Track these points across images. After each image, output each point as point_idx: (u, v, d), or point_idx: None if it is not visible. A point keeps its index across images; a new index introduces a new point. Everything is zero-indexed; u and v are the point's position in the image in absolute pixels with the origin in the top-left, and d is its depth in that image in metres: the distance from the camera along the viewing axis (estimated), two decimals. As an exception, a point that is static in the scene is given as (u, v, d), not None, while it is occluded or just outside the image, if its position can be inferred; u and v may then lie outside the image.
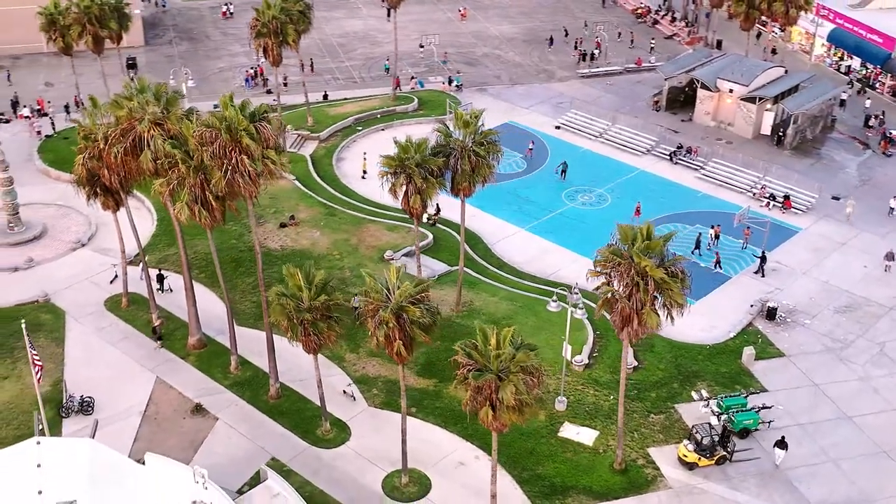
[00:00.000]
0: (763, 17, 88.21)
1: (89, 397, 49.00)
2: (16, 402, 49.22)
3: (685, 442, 46.72)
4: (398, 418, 44.27)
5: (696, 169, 76.43)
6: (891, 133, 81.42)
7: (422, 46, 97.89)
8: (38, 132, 78.90)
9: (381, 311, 39.88)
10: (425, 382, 51.25)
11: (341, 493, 44.52)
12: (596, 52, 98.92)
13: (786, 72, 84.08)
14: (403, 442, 44.08)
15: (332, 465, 46.10)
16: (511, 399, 36.47)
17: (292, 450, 46.93)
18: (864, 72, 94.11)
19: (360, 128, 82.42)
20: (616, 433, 46.33)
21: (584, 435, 48.12)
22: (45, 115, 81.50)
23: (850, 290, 60.96)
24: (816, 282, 61.98)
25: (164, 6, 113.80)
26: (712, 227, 66.51)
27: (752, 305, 59.03)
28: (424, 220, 65.58)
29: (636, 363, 53.00)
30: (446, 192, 53.99)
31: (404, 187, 51.44)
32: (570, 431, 48.37)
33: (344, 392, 50.37)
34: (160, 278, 58.65)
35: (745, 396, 49.83)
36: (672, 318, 41.58)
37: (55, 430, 47.05)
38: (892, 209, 69.93)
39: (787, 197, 70.80)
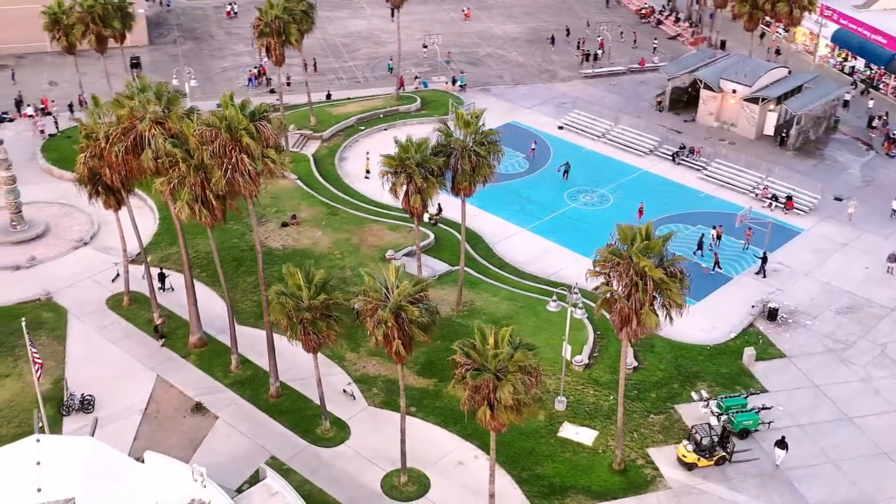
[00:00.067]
0: (767, 18, 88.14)
1: (90, 395, 49.13)
2: (17, 400, 49.35)
3: (684, 442, 46.68)
4: (398, 418, 44.30)
5: (698, 169, 76.38)
6: (894, 134, 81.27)
7: (425, 46, 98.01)
8: (42, 131, 79.16)
9: (379, 311, 39.94)
10: (425, 382, 51.29)
11: (340, 493, 44.55)
12: (599, 52, 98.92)
13: (789, 72, 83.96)
14: (402, 441, 44.13)
15: (331, 464, 46.15)
16: (509, 399, 36.48)
17: (292, 448, 47.00)
18: (868, 72, 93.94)
19: (362, 127, 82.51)
20: (615, 433, 46.31)
21: (583, 435, 48.12)
22: (49, 114, 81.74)
23: (851, 292, 60.86)
24: (818, 283, 61.88)
25: (168, 5, 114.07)
26: (714, 228, 66.45)
27: (753, 306, 58.95)
28: (426, 219, 65.76)
29: (636, 363, 52.98)
30: (447, 191, 54.05)
31: (405, 187, 51.49)
32: (569, 431, 48.38)
33: (344, 391, 50.44)
34: (161, 277, 58.80)
35: (745, 397, 49.77)
36: (671, 318, 41.55)
37: (56, 428, 47.15)
38: (894, 210, 69.79)
39: (789, 198, 70.72)
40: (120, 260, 58.05)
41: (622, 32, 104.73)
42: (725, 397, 49.60)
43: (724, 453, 46.54)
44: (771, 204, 70.75)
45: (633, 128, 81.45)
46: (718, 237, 65.97)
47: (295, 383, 50.98)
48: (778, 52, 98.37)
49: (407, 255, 61.96)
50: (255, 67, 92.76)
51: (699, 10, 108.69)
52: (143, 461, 40.04)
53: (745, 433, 48.39)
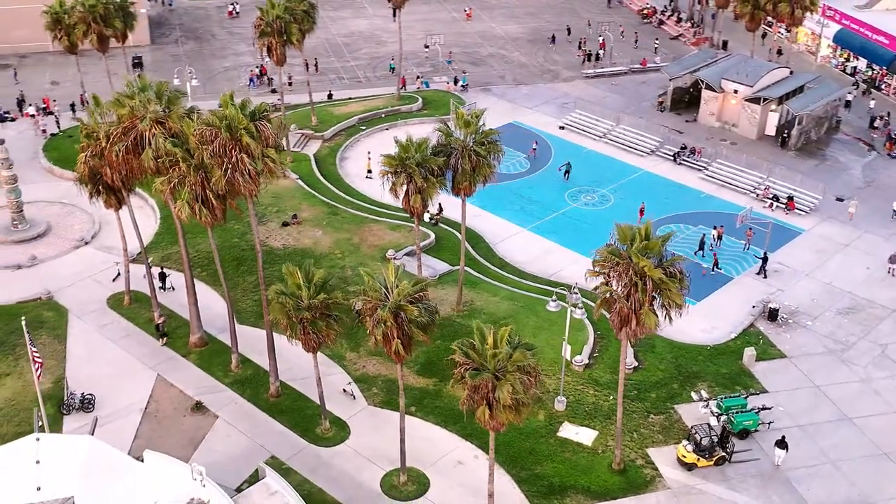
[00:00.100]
0: (769, 18, 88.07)
1: (90, 394, 49.22)
2: (17, 399, 49.44)
3: (684, 442, 46.65)
4: (398, 417, 44.26)
5: (699, 169, 76.35)
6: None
7: (427, 46, 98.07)
8: (44, 130, 79.29)
9: (378, 310, 39.95)
10: (425, 381, 51.31)
11: (339, 492, 44.58)
12: (601, 52, 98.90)
13: (791, 72, 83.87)
14: (402, 441, 44.15)
15: (330, 464, 46.18)
16: (508, 398, 36.50)
17: (291, 448, 47.04)
18: (869, 73, 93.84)
19: (363, 127, 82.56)
20: (615, 433, 46.29)
21: (583, 435, 48.12)
22: (51, 113, 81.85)
23: (852, 292, 60.81)
24: (819, 283, 61.83)
25: (170, 5, 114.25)
26: (715, 228, 66.42)
27: (753, 306, 58.92)
28: (427, 219, 65.78)
29: (636, 363, 52.98)
30: (447, 191, 54.06)
31: (405, 187, 51.51)
32: (569, 431, 48.38)
33: (344, 391, 50.47)
34: (162, 276, 58.87)
35: (745, 397, 49.74)
36: (670, 318, 41.53)
37: (56, 426, 47.27)
38: (895, 211, 69.66)
39: (790, 198, 70.67)
40: (121, 259, 58.11)
41: (622, 32, 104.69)
42: (725, 397, 49.57)
43: (723, 453, 46.52)
44: (772, 204, 70.71)
45: (634, 128, 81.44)
46: (719, 237, 65.94)
47: (295, 383, 51.03)
48: (780, 52, 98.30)
49: (408, 254, 61.97)
50: (257, 67, 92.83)
51: (701, 10, 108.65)
52: (142, 460, 40.09)
53: (744, 433, 48.37)
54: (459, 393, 39.09)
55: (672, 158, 77.77)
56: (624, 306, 40.91)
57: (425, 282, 43.29)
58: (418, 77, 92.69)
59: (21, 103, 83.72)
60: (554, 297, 50.31)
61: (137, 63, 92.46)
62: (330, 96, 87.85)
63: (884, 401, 51.55)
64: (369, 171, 74.06)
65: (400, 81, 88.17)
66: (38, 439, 38.33)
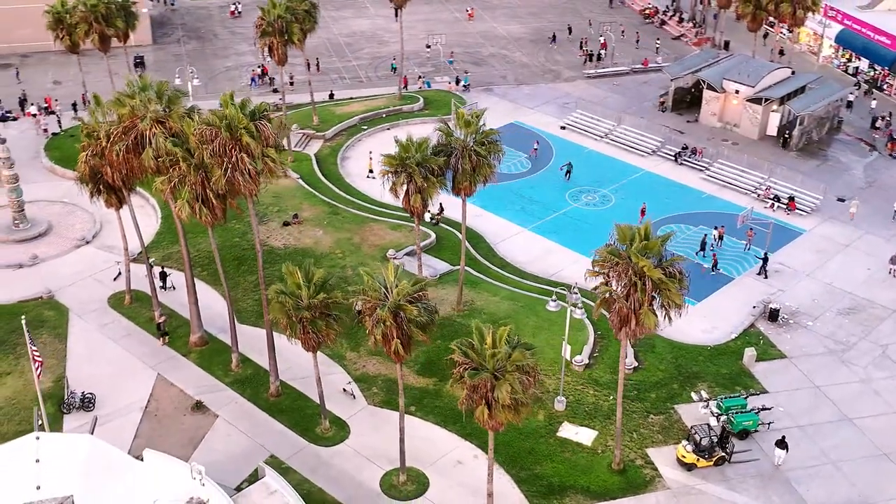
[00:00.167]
0: (770, 18, 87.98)
1: (90, 394, 49.29)
2: (18, 398, 49.50)
3: (684, 443, 46.64)
4: (398, 417, 44.29)
5: (700, 170, 76.31)
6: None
7: (428, 47, 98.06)
8: (45, 130, 79.40)
9: (378, 310, 39.98)
10: (425, 381, 51.32)
11: (339, 491, 44.61)
12: (602, 52, 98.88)
13: (793, 73, 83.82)
14: (401, 441, 44.17)
15: (330, 463, 46.21)
16: (506, 398, 36.52)
17: (291, 447, 47.07)
18: (871, 73, 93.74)
19: (364, 127, 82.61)
20: (615, 433, 46.28)
21: (582, 435, 48.12)
22: (53, 112, 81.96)
23: (853, 293, 60.76)
24: (820, 284, 61.79)
25: (172, 5, 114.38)
26: (716, 228, 66.39)
27: (754, 307, 58.89)
28: (427, 219, 65.80)
29: (637, 363, 52.97)
30: (447, 191, 54.08)
31: (405, 186, 51.54)
32: (568, 431, 48.37)
33: (344, 390, 50.50)
34: (163, 276, 58.92)
35: (745, 397, 49.72)
36: (670, 318, 41.51)
37: (56, 425, 47.33)
38: (897, 211, 69.77)
39: (791, 198, 70.61)
40: (121, 258, 58.16)
41: (623, 31, 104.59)
42: (725, 398, 49.55)
43: (723, 454, 46.50)
44: (773, 205, 70.66)
45: (635, 128, 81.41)
46: (720, 238, 65.90)
47: (295, 382, 51.07)
48: (782, 52, 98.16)
49: (408, 254, 62.00)
50: (259, 67, 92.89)
51: (703, 10, 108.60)
52: (142, 459, 40.13)
53: (744, 434, 48.35)
54: (459, 392, 39.08)
55: (673, 159, 77.76)
56: (623, 306, 40.92)
57: (425, 281, 43.30)
58: (420, 77, 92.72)
59: (23, 103, 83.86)
60: (554, 297, 50.32)
61: (139, 63, 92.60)
62: (331, 96, 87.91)
63: (884, 401, 51.51)
64: (371, 171, 74.10)
65: (402, 81, 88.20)
66: (37, 438, 38.37)
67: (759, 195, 72.22)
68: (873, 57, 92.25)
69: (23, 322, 44.18)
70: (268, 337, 49.38)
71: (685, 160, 77.42)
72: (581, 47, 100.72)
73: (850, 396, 51.74)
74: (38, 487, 37.04)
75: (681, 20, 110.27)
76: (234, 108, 43.70)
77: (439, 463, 46.31)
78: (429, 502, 44.30)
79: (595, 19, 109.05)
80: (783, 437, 47.22)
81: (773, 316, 57.52)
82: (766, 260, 62.39)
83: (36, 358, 43.92)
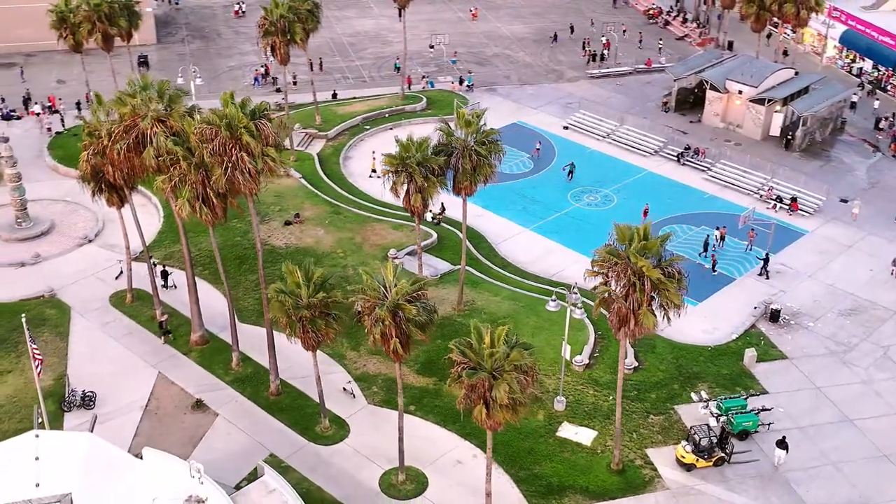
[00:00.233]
0: (774, 19, 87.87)
1: (91, 392, 49.41)
2: (19, 396, 49.64)
3: (683, 443, 46.59)
4: (397, 416, 44.33)
5: (703, 170, 76.22)
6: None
7: (432, 47, 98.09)
8: (49, 129, 79.61)
9: (377, 309, 40.01)
10: (425, 381, 51.34)
11: (338, 490, 44.65)
12: (605, 52, 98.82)
13: (796, 73, 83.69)
14: (400, 440, 44.20)
15: (329, 462, 46.26)
16: (504, 397, 36.52)
17: (291, 446, 47.14)
18: (875, 74, 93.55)
19: (367, 127, 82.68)
20: (615, 433, 46.25)
21: (582, 435, 48.10)
22: (56, 112, 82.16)
23: (855, 294, 60.64)
24: (821, 284, 61.67)
25: (177, 4, 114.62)
26: (717, 229, 66.31)
27: (755, 307, 58.79)
28: (429, 219, 65.83)
29: (637, 364, 52.94)
30: (448, 191, 54.11)
31: (405, 186, 51.58)
32: (568, 431, 48.36)
33: (344, 389, 50.55)
34: (164, 274, 59.04)
35: (745, 398, 49.66)
36: (669, 318, 41.48)
37: (57, 424, 47.44)
38: (900, 212, 69.59)
39: (794, 199, 70.49)
40: (123, 257, 58.30)
41: (625, 31, 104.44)
42: (725, 398, 49.50)
43: (722, 454, 46.44)
44: (775, 205, 70.55)
45: (638, 128, 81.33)
46: (722, 238, 65.82)
47: (295, 381, 51.13)
48: (786, 53, 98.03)
49: (409, 254, 62.03)
50: (262, 66, 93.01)
51: (707, 10, 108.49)
52: (141, 457, 40.23)
53: (744, 434, 48.29)
54: (457, 392, 39.12)
55: (676, 159, 77.69)
56: (622, 306, 40.91)
57: (424, 281, 43.29)
58: (424, 77, 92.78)
59: (27, 102, 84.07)
60: (553, 297, 50.29)
61: (143, 62, 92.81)
62: (334, 96, 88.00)
63: (885, 402, 51.40)
64: (373, 171, 74.14)
65: (405, 81, 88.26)
66: (37, 436, 38.44)
67: (761, 196, 72.11)
68: (877, 57, 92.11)
69: (23, 320, 44.31)
70: (268, 336, 49.46)
71: (688, 160, 77.35)
72: (584, 47, 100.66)
73: (851, 397, 51.64)
74: (37, 485, 37.11)
75: (685, 20, 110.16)
76: (235, 108, 43.81)
77: (439, 462, 46.33)
78: (428, 502, 44.32)
79: (598, 19, 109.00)
80: (783, 437, 47.15)
81: (774, 317, 57.44)
82: (767, 260, 62.29)
83: (36, 356, 44.07)
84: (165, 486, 38.66)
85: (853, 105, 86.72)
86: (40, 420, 43.18)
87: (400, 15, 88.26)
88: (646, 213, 67.75)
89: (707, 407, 49.30)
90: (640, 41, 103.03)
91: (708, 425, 47.10)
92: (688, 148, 78.20)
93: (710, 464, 46.28)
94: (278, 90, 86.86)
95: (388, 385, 50.76)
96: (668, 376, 52.48)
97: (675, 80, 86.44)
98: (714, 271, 62.42)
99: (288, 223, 65.57)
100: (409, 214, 57.24)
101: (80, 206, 67.19)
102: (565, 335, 49.24)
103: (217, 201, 45.85)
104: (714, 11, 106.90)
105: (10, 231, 64.41)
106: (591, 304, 49.40)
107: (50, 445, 38.36)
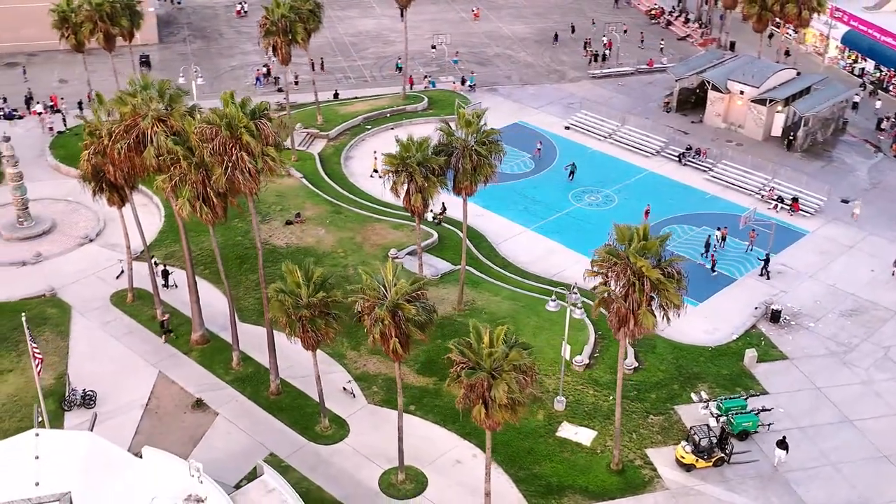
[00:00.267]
0: (776, 19, 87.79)
1: (91, 391, 49.47)
2: (20, 395, 49.72)
3: (683, 443, 46.58)
4: (397, 416, 44.36)
5: (704, 171, 76.18)
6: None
7: (433, 47, 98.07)
8: (51, 128, 79.72)
9: (376, 309, 40.04)
10: (425, 380, 51.35)
11: (338, 490, 44.68)
12: (607, 52, 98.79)
13: (798, 74, 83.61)
14: (400, 439, 44.23)
15: (329, 462, 46.30)
16: (503, 397, 36.53)
17: (291, 446, 47.18)
18: (877, 74, 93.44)
19: (368, 126, 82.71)
20: (614, 433, 46.24)
21: (582, 435, 48.10)
22: (58, 111, 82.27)
23: (856, 294, 60.59)
24: (822, 285, 61.63)
25: (179, 4, 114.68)
26: (719, 229, 66.28)
27: (756, 308, 58.75)
28: (430, 218, 65.87)
29: (637, 364, 52.93)
30: (448, 190, 54.12)
31: (406, 186, 51.61)
32: (568, 431, 48.37)
33: (344, 389, 50.59)
34: (165, 274, 59.11)
35: (745, 398, 49.64)
36: (668, 318, 41.47)
37: (57, 423, 47.51)
38: (901, 213, 69.51)
39: (795, 199, 70.44)
40: (124, 257, 58.37)
41: (627, 31, 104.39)
42: (725, 398, 49.48)
43: (722, 455, 46.42)
44: (777, 206, 70.50)
45: (639, 128, 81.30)
46: (723, 238, 65.78)
47: (295, 381, 51.16)
48: (787, 53, 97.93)
49: (410, 253, 62.04)
50: (264, 66, 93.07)
51: (709, 11, 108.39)
52: (141, 456, 40.28)
53: (744, 434, 48.27)
54: (457, 392, 39.16)
55: (677, 159, 77.66)
56: (621, 306, 40.91)
57: (423, 281, 43.32)
58: (426, 77, 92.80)
59: (29, 101, 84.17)
60: (553, 297, 50.30)
61: (145, 62, 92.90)
62: (336, 95, 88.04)
63: (885, 403, 51.37)
64: (375, 171, 74.16)
65: (407, 81, 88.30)
66: (37, 435, 38.51)
67: (762, 196, 72.06)
68: (879, 58, 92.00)
69: (23, 319, 44.39)
70: (268, 335, 49.50)
71: (689, 161, 77.31)
72: (585, 47, 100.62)
73: (852, 398, 51.60)
74: (37, 484, 37.18)
75: (687, 21, 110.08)
76: (235, 107, 43.86)
77: (438, 462, 46.35)
78: (427, 501, 44.35)
79: (600, 19, 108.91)
80: (783, 437, 47.13)
81: (774, 317, 57.40)
82: (767, 261, 62.25)
83: (36, 355, 44.15)
84: (165, 485, 38.71)
85: (855, 105, 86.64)
86: (40, 419, 43.21)
87: (402, 15, 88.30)
88: (647, 213, 67.72)
89: (707, 407, 49.30)
90: (642, 41, 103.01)
91: (708, 426, 47.10)
92: (689, 148, 78.17)
93: (710, 464, 46.28)
94: (280, 90, 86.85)
95: (389, 385, 50.79)
96: (668, 376, 52.47)
97: (676, 81, 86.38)
98: (714, 272, 62.34)
99: (289, 223, 65.62)
100: (409, 214, 57.34)
101: (81, 205, 67.29)
102: (565, 335, 49.24)
103: (217, 201, 45.90)
104: (716, 12, 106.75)
105: (11, 230, 64.52)
106: (591, 304, 49.47)
107: (50, 444, 38.41)
